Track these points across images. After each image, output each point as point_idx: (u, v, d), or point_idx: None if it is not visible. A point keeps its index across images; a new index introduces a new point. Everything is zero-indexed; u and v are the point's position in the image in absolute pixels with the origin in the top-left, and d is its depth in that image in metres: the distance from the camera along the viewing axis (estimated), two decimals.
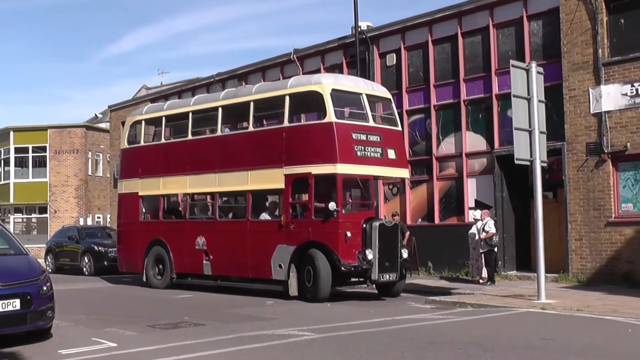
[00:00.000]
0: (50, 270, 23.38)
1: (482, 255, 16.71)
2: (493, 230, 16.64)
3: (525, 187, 17.54)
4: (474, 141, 19.10)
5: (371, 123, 14.99)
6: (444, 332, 9.85)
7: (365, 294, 15.34)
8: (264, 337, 9.45)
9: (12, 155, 41.37)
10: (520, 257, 18.33)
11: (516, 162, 13.44)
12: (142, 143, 19.16)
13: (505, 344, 8.80)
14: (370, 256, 13.99)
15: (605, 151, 16.15)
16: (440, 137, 19.86)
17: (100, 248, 23.74)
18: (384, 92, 16.35)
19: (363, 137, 14.72)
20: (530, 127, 13.31)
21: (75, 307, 13.20)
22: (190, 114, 17.45)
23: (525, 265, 17.95)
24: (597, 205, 16.27)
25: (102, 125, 44.88)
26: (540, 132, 13.40)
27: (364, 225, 14.30)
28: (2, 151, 42.22)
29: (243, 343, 8.97)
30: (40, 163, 41.55)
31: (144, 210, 18.70)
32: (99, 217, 41.85)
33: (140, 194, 18.58)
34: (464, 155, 19.20)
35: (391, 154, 15.22)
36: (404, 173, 16.03)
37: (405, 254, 14.78)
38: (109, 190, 35.59)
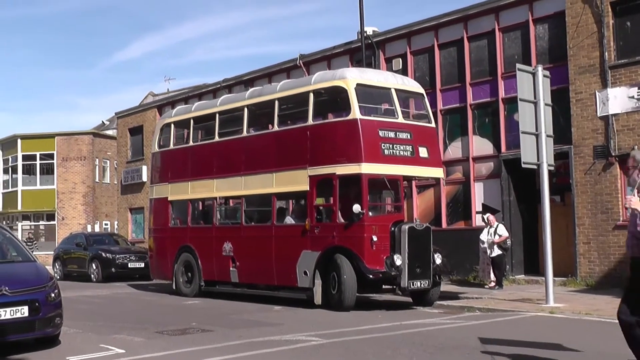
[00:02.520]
0: (58, 277, 23.43)
1: (492, 259, 16.67)
2: (506, 233, 16.61)
3: (533, 191, 17.49)
4: (480, 145, 19.08)
5: (400, 119, 14.16)
6: (452, 337, 9.82)
7: (397, 303, 14.54)
8: (271, 342, 9.45)
9: (19, 163, 41.61)
10: (528, 261, 18.28)
11: (523, 165, 13.41)
12: (171, 146, 18.64)
13: (513, 348, 8.76)
14: (398, 262, 13.10)
15: (613, 154, 16.11)
16: (447, 141, 19.85)
17: (108, 255, 23.70)
18: (416, 87, 15.43)
19: (391, 134, 13.94)
20: (537, 130, 13.28)
21: (83, 314, 13.24)
22: (217, 115, 16.99)
23: (533, 269, 17.92)
24: (604, 209, 16.21)
25: (109, 132, 45.06)
26: (547, 136, 13.37)
27: (393, 229, 13.42)
28: (10, 159, 42.49)
29: (251, 349, 8.96)
30: (47, 170, 41.76)
31: (173, 216, 18.26)
32: (106, 224, 42.00)
33: (169, 198, 18.13)
34: (471, 160, 19.18)
35: (423, 152, 14.38)
36: (437, 173, 15.24)
37: (438, 259, 13.80)
38: (116, 197, 35.63)
